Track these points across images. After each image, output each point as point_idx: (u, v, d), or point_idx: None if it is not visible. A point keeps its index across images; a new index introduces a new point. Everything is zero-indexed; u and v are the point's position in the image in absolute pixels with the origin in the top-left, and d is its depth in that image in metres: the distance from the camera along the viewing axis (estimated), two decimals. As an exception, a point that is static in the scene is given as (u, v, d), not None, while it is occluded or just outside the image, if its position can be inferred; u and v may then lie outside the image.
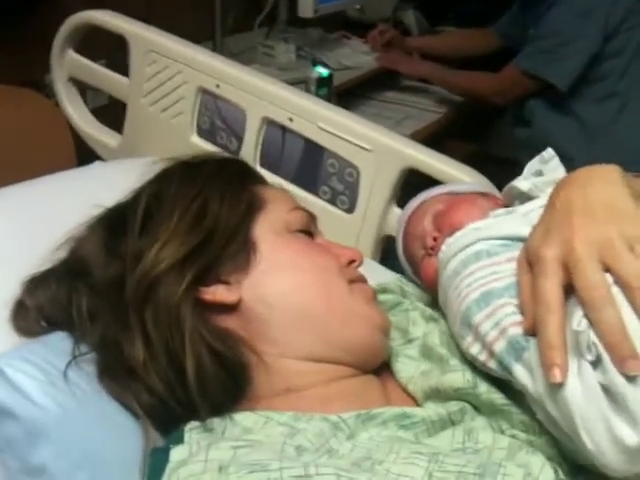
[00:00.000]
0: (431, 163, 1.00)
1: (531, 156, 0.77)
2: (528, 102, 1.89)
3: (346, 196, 1.09)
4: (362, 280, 0.74)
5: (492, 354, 0.63)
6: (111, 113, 1.34)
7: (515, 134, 1.95)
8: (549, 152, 0.76)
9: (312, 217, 0.77)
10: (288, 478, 0.52)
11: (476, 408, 0.65)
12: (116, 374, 0.66)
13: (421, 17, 2.51)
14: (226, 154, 0.95)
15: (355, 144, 1.04)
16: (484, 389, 0.65)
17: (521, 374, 0.60)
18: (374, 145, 1.03)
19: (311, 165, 1.11)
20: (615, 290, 0.56)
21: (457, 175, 0.98)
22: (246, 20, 2.24)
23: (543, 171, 0.75)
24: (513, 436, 0.62)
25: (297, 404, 0.64)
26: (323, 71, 1.65)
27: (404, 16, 2.49)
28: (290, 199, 0.77)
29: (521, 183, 0.75)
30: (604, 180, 0.62)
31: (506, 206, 0.77)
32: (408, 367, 0.70)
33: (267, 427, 0.61)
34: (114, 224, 0.73)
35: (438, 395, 0.66)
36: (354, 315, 0.69)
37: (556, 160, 0.75)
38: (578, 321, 0.57)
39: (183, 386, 0.63)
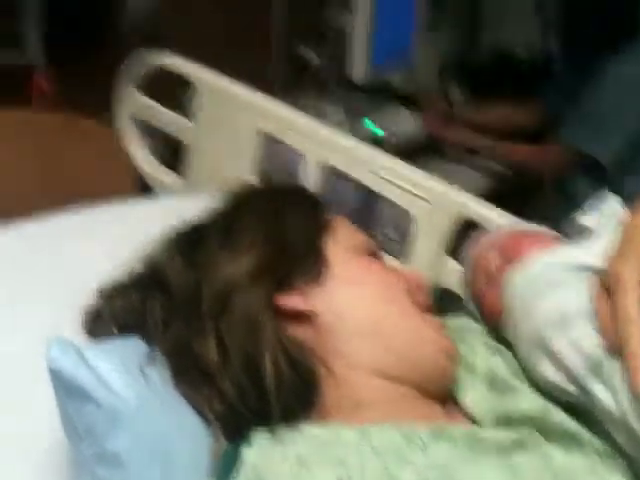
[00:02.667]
0: (487, 214, 1.02)
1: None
2: (574, 178, 1.87)
3: (400, 245, 1.10)
4: (429, 309, 0.75)
5: (570, 376, 0.63)
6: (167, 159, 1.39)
7: (557, 207, 1.95)
8: (606, 192, 0.78)
9: (379, 244, 0.80)
10: (368, 471, 0.53)
11: (546, 436, 0.64)
12: (188, 378, 0.67)
13: (466, 91, 2.55)
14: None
15: (413, 193, 1.06)
16: (556, 415, 0.65)
17: (602, 394, 0.60)
18: (431, 196, 1.05)
19: (365, 211, 1.13)
20: None
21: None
22: (294, 82, 2.30)
23: (603, 210, 0.77)
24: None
25: (365, 418, 0.64)
26: (377, 129, 1.67)
27: (450, 89, 2.54)
28: (354, 226, 0.80)
29: (586, 219, 0.76)
30: None
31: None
32: (474, 396, 0.70)
33: (337, 435, 0.61)
34: (192, 237, 0.76)
35: (507, 422, 0.66)
36: (423, 336, 0.71)
37: (614, 201, 0.77)
38: None
39: (256, 392, 0.64)
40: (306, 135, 1.15)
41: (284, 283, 0.69)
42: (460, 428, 0.63)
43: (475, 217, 1.02)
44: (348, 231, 0.77)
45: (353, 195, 1.13)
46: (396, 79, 2.52)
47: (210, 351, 0.66)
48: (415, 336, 0.70)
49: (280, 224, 0.73)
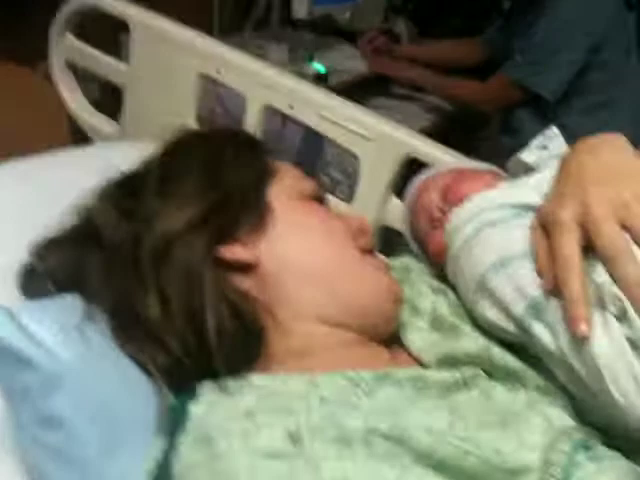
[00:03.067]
0: (431, 152, 1.01)
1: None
2: (517, 111, 1.92)
3: (345, 185, 1.10)
4: (372, 251, 0.75)
5: (510, 316, 0.64)
6: (103, 107, 1.35)
7: (502, 142, 1.98)
8: (553, 130, 0.77)
9: (322, 187, 0.78)
10: (316, 420, 0.53)
11: (489, 374, 0.65)
12: (130, 334, 0.65)
13: (411, 26, 2.53)
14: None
15: (355, 132, 1.05)
16: (498, 353, 0.65)
17: (542, 333, 0.61)
18: (375, 134, 1.04)
19: (310, 153, 1.11)
20: (635, 247, 0.57)
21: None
22: (237, 22, 2.25)
23: (548, 146, 0.76)
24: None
25: (311, 366, 0.64)
26: (320, 67, 1.65)
27: (394, 24, 2.52)
28: (298, 171, 0.78)
29: (527, 156, 0.76)
30: (613, 146, 0.64)
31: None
32: (419, 338, 0.71)
33: (285, 384, 0.61)
34: (127, 188, 0.73)
35: (451, 362, 0.67)
36: (366, 279, 0.70)
37: (560, 139, 0.76)
38: (599, 274, 0.58)
39: (200, 344, 0.63)
40: (247, 76, 1.12)
41: (225, 232, 0.67)
42: (405, 370, 0.63)
43: (420, 156, 1.02)
44: (292, 176, 0.75)
45: (297, 137, 1.11)
46: (341, 16, 2.49)
47: (151, 305, 0.64)
48: (359, 281, 0.70)
49: (220, 170, 0.71)
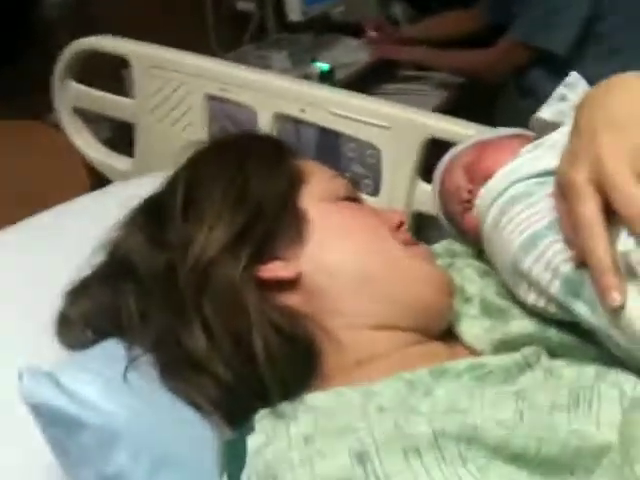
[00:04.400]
0: (452, 129, 0.99)
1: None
2: (529, 72, 1.87)
3: (370, 179, 1.08)
4: (415, 242, 0.72)
5: (550, 298, 0.60)
6: (117, 144, 1.35)
7: (519, 106, 1.93)
8: (574, 75, 0.73)
9: (354, 184, 0.74)
10: (379, 435, 0.50)
11: (550, 352, 0.62)
12: (178, 370, 0.63)
13: (408, 8, 2.50)
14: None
15: (372, 124, 1.02)
16: (554, 331, 0.62)
17: (584, 311, 0.57)
18: (391, 122, 1.01)
19: (329, 153, 1.09)
20: None
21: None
22: (235, 38, 2.24)
23: (568, 96, 0.72)
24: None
25: (369, 376, 0.60)
26: (323, 65, 1.63)
27: (391, 10, 2.49)
28: (328, 169, 0.74)
29: (543, 112, 0.72)
30: (623, 88, 0.59)
31: (538, 140, 0.73)
32: (472, 327, 0.68)
33: (340, 400, 0.58)
34: (153, 214, 0.69)
35: (507, 347, 0.63)
36: (417, 276, 0.67)
37: (583, 83, 0.72)
38: (623, 242, 0.54)
39: (251, 371, 0.60)
40: (253, 88, 1.10)
41: (262, 250, 0.64)
42: (462, 361, 0.60)
43: (442, 135, 0.99)
44: (322, 177, 0.71)
45: (312, 140, 1.10)
46: (335, 11, 2.47)
47: (197, 337, 0.61)
48: (409, 279, 0.66)
49: (247, 183, 0.66)
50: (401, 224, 0.71)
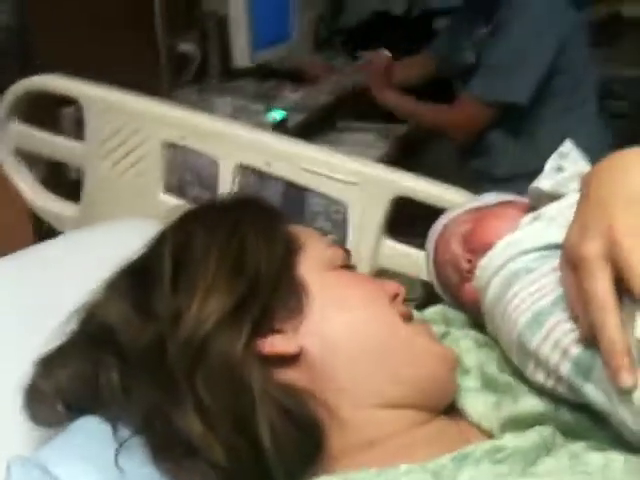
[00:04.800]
0: (420, 188, 0.98)
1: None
2: (488, 135, 1.84)
3: (334, 234, 1.05)
4: (412, 316, 0.68)
5: (559, 379, 0.58)
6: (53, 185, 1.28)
7: (472, 165, 1.90)
8: (567, 145, 0.71)
9: (348, 253, 0.71)
10: None
11: (566, 434, 0.59)
12: (171, 455, 0.57)
13: (344, 54, 2.53)
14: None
15: (339, 179, 1.01)
16: (566, 411, 0.60)
17: (595, 395, 0.55)
18: (359, 178, 1.00)
19: (294, 206, 1.06)
20: None
21: (450, 197, 0.95)
22: (174, 81, 2.19)
23: (564, 166, 0.71)
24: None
25: (378, 459, 0.57)
26: (279, 113, 1.60)
27: (329, 56, 2.51)
28: (322, 237, 0.71)
29: (542, 183, 0.70)
30: (638, 161, 0.57)
31: (533, 208, 0.72)
32: (476, 402, 0.64)
33: None
34: (138, 279, 0.64)
35: (516, 425, 0.60)
36: (421, 352, 0.63)
37: (575, 152, 0.71)
38: (637, 325, 0.52)
39: (254, 456, 0.55)
40: (216, 138, 1.07)
41: (261, 324, 0.59)
42: (480, 446, 0.56)
43: (409, 192, 0.98)
44: (318, 244, 0.67)
45: (277, 193, 1.07)
46: (276, 59, 2.47)
47: (190, 419, 0.56)
48: (414, 354, 0.63)
49: (241, 252, 0.62)
50: (400, 294, 0.68)
